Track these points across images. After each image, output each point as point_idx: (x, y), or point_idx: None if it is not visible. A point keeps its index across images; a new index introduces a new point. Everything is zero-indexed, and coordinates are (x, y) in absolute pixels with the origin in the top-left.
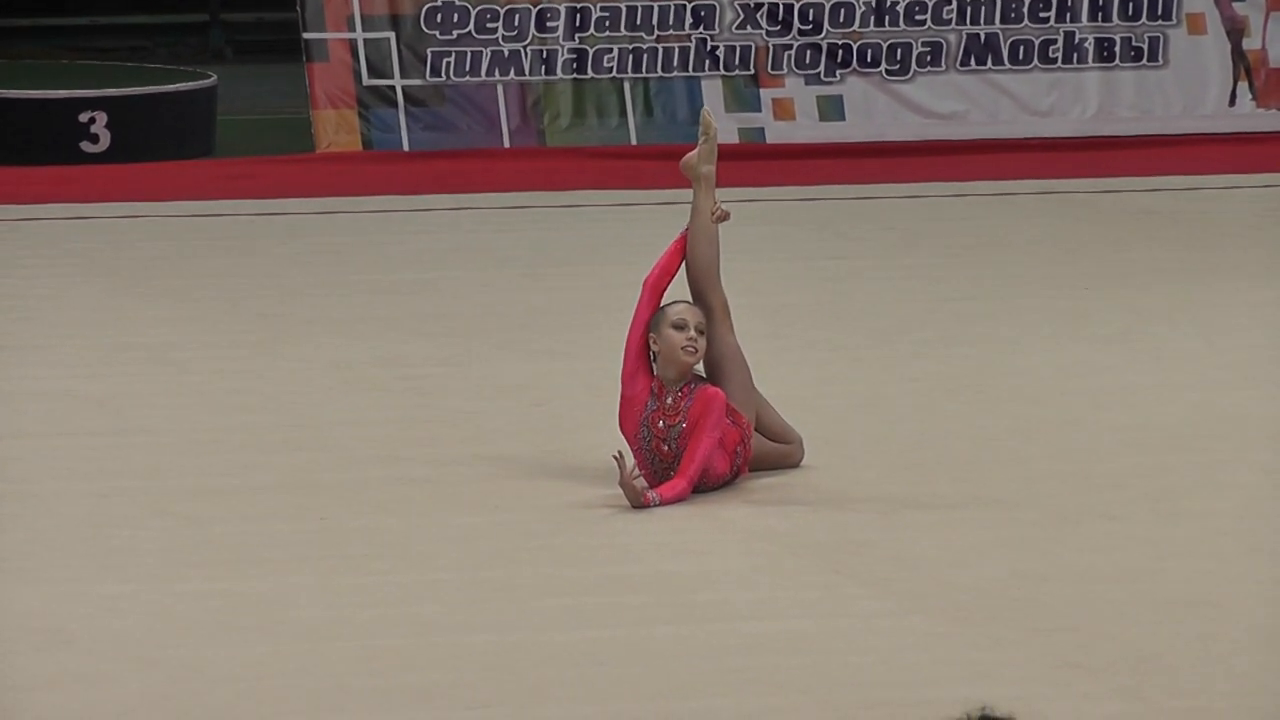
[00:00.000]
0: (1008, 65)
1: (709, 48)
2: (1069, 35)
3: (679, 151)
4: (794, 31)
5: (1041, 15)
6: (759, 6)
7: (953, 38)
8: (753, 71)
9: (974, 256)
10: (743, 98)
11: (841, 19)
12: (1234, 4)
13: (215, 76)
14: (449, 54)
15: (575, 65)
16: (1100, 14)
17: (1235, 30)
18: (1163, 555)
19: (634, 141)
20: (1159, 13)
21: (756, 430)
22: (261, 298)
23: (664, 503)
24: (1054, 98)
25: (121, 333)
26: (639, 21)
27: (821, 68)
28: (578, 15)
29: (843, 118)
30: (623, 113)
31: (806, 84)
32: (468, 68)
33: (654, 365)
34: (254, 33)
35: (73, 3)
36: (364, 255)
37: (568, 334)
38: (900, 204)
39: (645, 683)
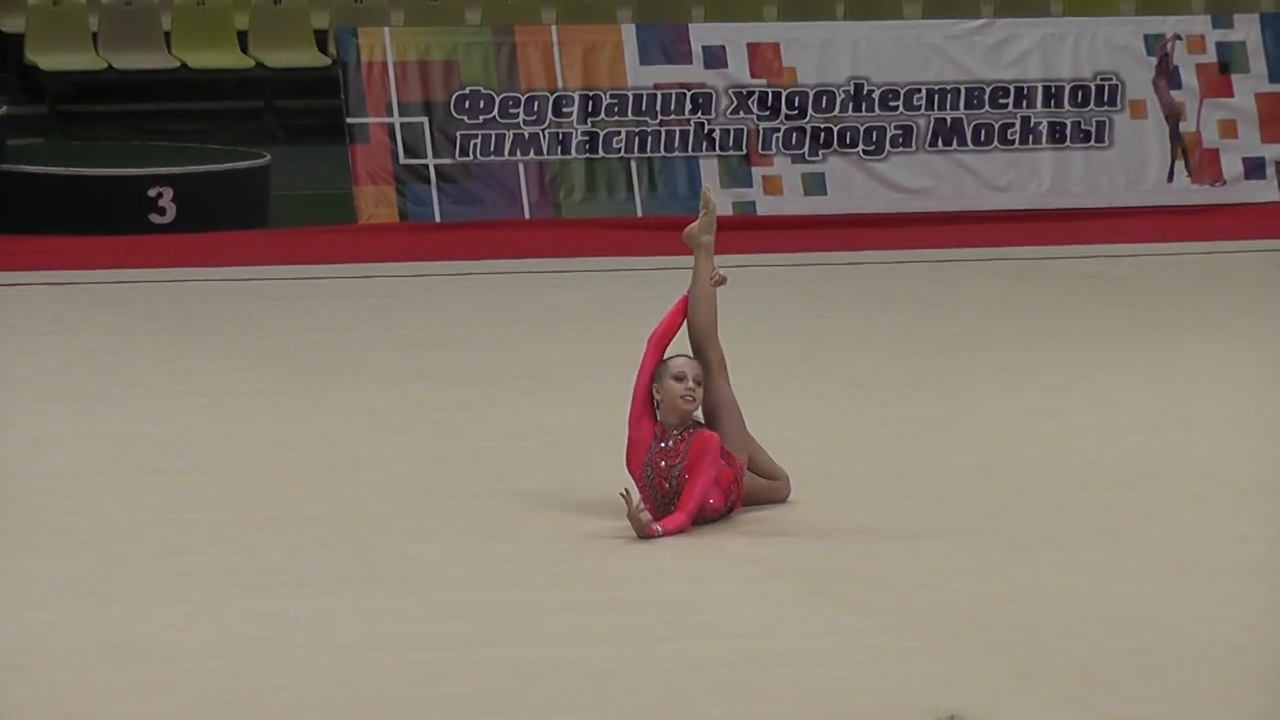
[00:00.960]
0: (971, 146)
1: (706, 131)
2: (1025, 119)
3: (680, 223)
4: (781, 116)
5: (1001, 102)
6: (750, 94)
7: (922, 122)
8: (745, 152)
9: (940, 315)
10: (736, 175)
11: (824, 105)
12: (1172, 92)
13: (269, 156)
14: (476, 136)
15: (588, 146)
16: (1053, 101)
17: (1173, 115)
18: (1107, 579)
19: (640, 213)
20: (1105, 99)
21: (749, 469)
22: (308, 351)
23: (666, 534)
24: (1012, 175)
25: (185, 382)
26: (644, 107)
27: (806, 148)
28: (590, 102)
29: (825, 192)
30: (630, 188)
31: (793, 162)
32: (492, 148)
33: (657, 411)
34: (303, 118)
35: (143, 91)
36: (399, 314)
37: (580, 383)
38: (875, 269)
39: (648, 693)
